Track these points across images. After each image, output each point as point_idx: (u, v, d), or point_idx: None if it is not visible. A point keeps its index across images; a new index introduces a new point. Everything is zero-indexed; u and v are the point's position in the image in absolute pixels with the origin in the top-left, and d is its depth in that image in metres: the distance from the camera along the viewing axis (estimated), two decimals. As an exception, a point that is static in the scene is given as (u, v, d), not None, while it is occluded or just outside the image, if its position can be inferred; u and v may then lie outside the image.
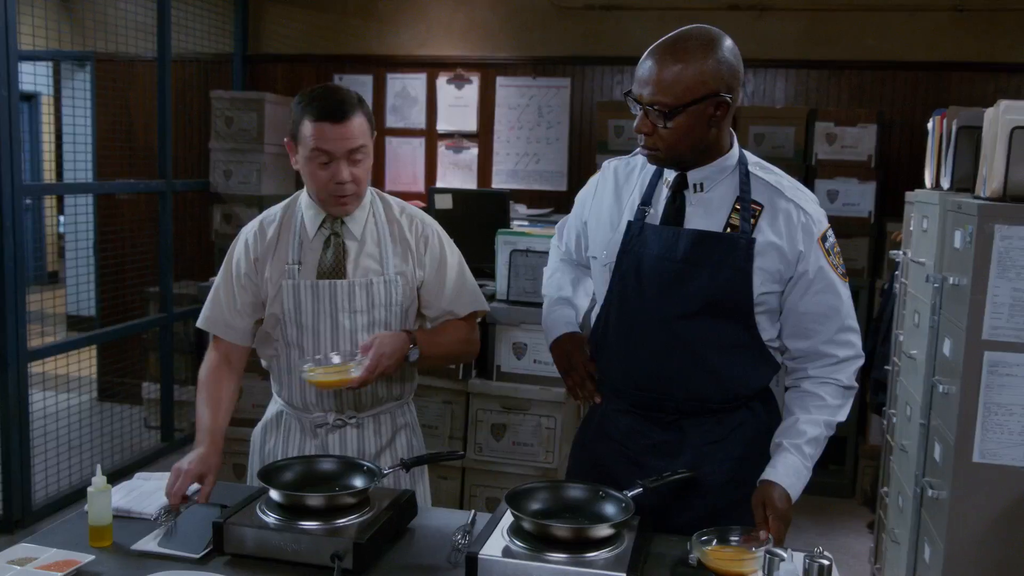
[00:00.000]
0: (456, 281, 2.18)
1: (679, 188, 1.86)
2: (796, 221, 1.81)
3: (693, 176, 1.84)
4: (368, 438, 2.16)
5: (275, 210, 2.19)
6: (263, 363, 2.24)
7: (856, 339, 1.88)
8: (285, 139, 2.09)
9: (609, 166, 2.03)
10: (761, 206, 1.82)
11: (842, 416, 1.86)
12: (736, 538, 1.69)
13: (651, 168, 1.93)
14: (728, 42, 1.75)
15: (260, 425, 2.27)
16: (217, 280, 2.17)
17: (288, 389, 2.17)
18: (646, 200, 1.90)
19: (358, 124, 2.01)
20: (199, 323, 2.18)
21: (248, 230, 2.18)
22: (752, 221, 1.81)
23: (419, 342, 2.04)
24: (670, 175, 1.88)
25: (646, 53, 1.76)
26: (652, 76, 1.72)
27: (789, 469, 1.78)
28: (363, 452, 2.15)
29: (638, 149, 1.94)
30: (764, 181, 1.85)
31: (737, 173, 1.84)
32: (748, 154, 1.89)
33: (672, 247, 1.83)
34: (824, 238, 1.83)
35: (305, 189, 2.15)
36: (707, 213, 1.84)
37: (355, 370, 1.94)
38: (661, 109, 1.72)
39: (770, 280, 1.81)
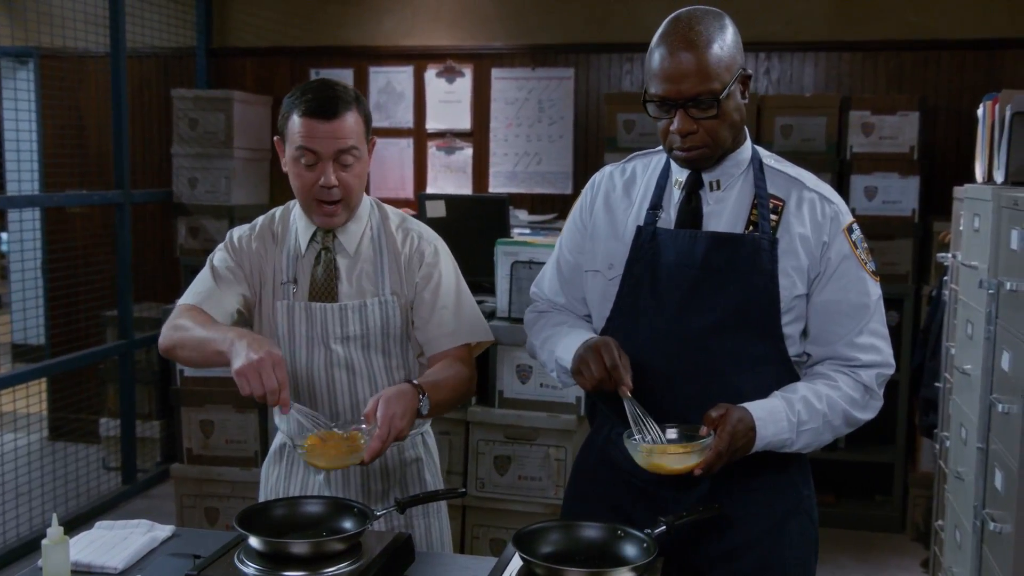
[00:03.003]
0: (453, 304, 2.16)
1: (694, 188, 1.89)
2: (821, 211, 1.86)
3: (709, 174, 1.88)
4: (374, 473, 2.17)
5: (272, 213, 2.23)
6: None
7: (884, 345, 1.88)
8: (276, 136, 2.12)
9: (602, 173, 2.05)
10: (782, 201, 1.87)
11: (858, 413, 1.86)
12: (674, 435, 1.79)
13: (656, 169, 1.97)
14: (727, 14, 1.85)
15: (267, 459, 2.30)
16: (205, 268, 2.18)
17: (286, 422, 2.19)
18: (656, 203, 1.93)
19: (351, 123, 2.03)
20: (188, 300, 2.13)
21: (237, 230, 2.21)
22: (774, 219, 1.85)
23: (426, 391, 1.97)
24: (681, 175, 1.91)
25: (660, 47, 1.80)
26: (688, 67, 1.75)
27: (764, 405, 1.79)
28: (368, 490, 2.17)
29: (653, 149, 1.97)
30: (782, 173, 1.90)
31: (751, 168, 1.90)
32: (759, 148, 1.94)
33: (689, 252, 1.85)
34: (850, 229, 1.87)
35: None
36: (726, 213, 1.87)
37: (364, 441, 1.87)
38: (710, 98, 1.76)
39: (798, 281, 1.84)
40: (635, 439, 1.79)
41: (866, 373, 1.86)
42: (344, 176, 2.05)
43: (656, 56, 1.80)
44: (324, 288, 2.13)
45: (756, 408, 1.79)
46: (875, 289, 1.88)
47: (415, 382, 1.99)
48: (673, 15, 1.82)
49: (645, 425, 1.79)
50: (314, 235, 2.14)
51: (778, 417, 1.79)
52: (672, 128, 1.80)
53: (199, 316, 2.06)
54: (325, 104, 2.01)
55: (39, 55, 5.90)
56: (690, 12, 1.81)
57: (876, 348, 1.87)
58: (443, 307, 2.15)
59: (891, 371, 1.89)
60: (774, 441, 1.80)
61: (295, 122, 2.03)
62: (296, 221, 2.18)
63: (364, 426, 1.89)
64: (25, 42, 5.53)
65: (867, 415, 1.88)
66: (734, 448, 1.74)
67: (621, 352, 1.81)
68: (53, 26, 5.08)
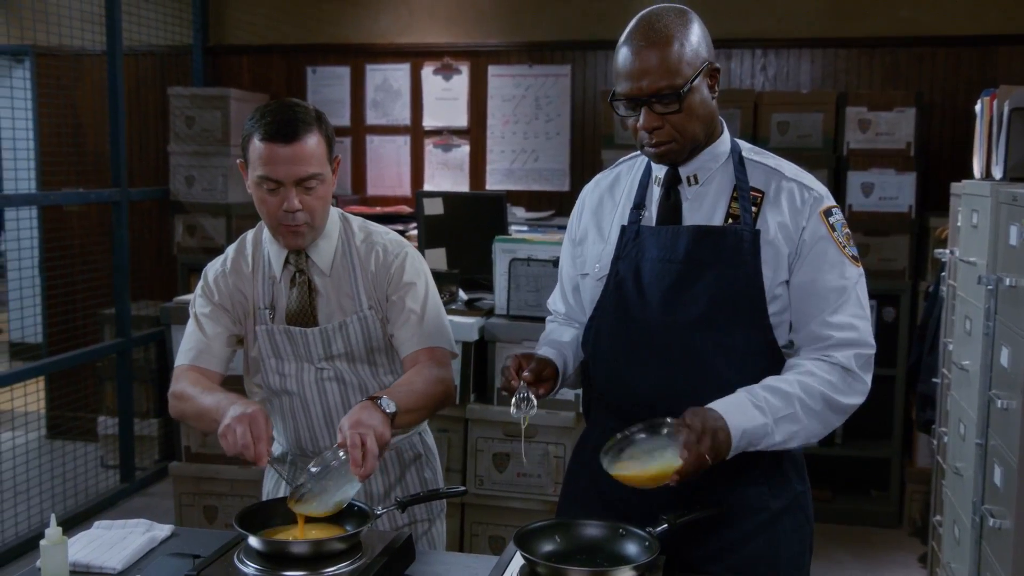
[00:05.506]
0: (420, 307, 2.14)
1: (672, 184, 1.91)
2: (800, 198, 1.86)
3: (685, 168, 1.89)
4: (374, 477, 2.16)
5: (244, 239, 2.21)
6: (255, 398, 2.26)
7: (862, 324, 1.83)
8: (238, 159, 2.09)
9: (590, 183, 2.10)
10: (762, 192, 1.87)
11: (840, 397, 1.79)
12: (643, 435, 1.76)
13: (639, 170, 1.99)
14: (692, 11, 1.87)
15: (268, 459, 2.28)
16: (190, 319, 2.18)
17: (283, 435, 2.21)
18: (639, 203, 1.95)
19: (312, 146, 2.00)
20: (182, 360, 2.13)
21: (211, 268, 2.19)
22: (754, 210, 1.85)
23: (383, 395, 1.92)
24: (660, 172, 1.93)
25: (622, 47, 1.83)
26: (648, 64, 1.79)
27: (725, 399, 1.75)
28: (369, 491, 2.18)
29: (639, 152, 1.98)
30: (762, 165, 1.90)
31: (731, 161, 1.90)
32: (741, 141, 1.95)
33: (672, 247, 1.87)
34: (828, 213, 1.85)
35: None
36: (705, 207, 1.89)
37: (345, 470, 1.79)
38: (671, 93, 1.78)
39: (781, 271, 1.83)
40: (608, 456, 1.75)
41: (841, 354, 1.81)
42: (308, 200, 2.02)
43: (619, 55, 1.83)
44: (299, 313, 2.12)
45: (718, 403, 1.74)
46: (854, 273, 1.84)
47: (371, 395, 1.93)
48: (638, 14, 1.85)
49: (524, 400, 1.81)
50: (287, 258, 2.13)
51: (744, 407, 1.74)
52: (638, 125, 1.83)
53: (196, 379, 2.07)
54: (284, 127, 1.97)
55: (35, 53, 5.88)
56: (652, 10, 1.84)
57: (852, 327, 1.82)
58: (411, 311, 2.13)
59: (871, 351, 1.83)
60: (751, 429, 1.72)
61: (255, 146, 2.00)
62: (268, 245, 2.16)
63: (342, 456, 1.80)
64: (21, 40, 5.50)
65: (852, 399, 1.82)
66: (708, 445, 1.67)
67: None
68: (49, 24, 5.06)
